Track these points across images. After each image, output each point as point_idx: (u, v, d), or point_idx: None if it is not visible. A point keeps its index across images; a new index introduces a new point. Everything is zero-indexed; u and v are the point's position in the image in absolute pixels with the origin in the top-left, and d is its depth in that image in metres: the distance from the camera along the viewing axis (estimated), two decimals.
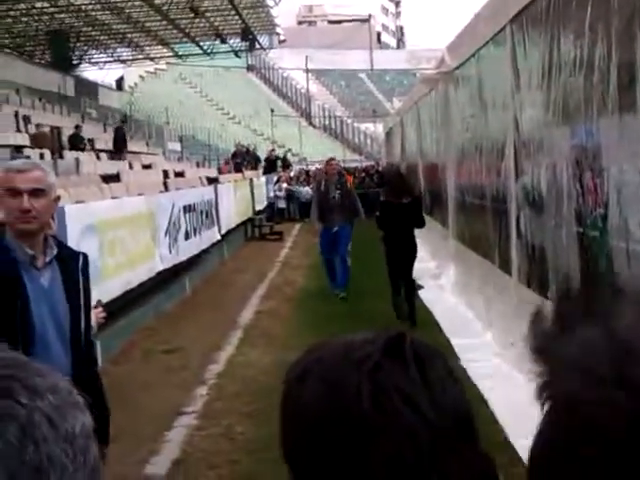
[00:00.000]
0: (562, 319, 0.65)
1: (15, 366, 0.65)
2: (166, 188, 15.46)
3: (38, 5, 33.85)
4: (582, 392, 0.58)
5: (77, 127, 21.35)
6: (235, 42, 45.34)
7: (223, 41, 43.24)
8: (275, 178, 28.39)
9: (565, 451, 0.60)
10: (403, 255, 9.48)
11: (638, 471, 0.55)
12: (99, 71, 47.76)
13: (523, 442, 4.36)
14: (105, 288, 7.98)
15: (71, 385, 0.69)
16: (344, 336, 0.83)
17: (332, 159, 12.51)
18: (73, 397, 0.68)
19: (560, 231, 5.87)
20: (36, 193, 2.98)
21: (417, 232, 9.81)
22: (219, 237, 15.90)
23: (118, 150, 22.98)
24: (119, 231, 9.39)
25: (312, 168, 36.42)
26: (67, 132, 21.49)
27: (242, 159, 25.69)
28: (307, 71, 66.98)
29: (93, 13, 36.94)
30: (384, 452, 0.73)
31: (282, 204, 27.55)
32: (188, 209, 13.05)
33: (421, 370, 0.76)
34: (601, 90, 4.96)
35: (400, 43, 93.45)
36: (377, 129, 50.93)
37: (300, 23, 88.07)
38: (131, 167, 20.40)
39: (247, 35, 42.31)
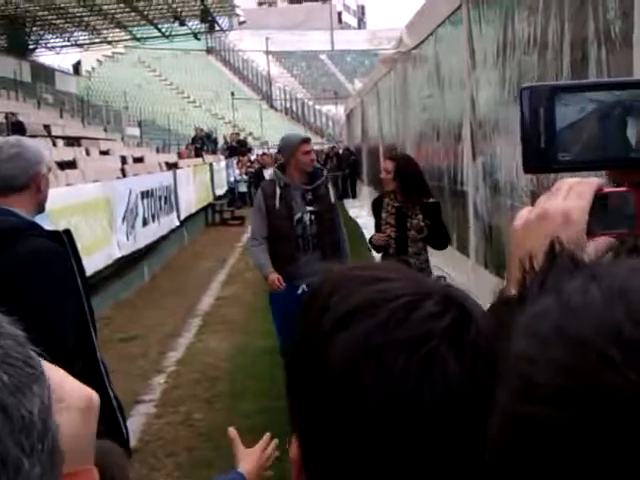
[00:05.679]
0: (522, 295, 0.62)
1: None
2: (124, 174, 15.27)
3: None
4: (526, 351, 0.55)
5: (13, 114, 20.80)
6: (194, 24, 44.83)
7: (182, 23, 42.65)
8: (235, 162, 28.21)
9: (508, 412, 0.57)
10: None
11: (569, 427, 0.50)
12: (56, 56, 47.06)
13: None
14: None
15: (25, 343, 0.54)
16: (404, 284, 0.74)
17: (307, 140, 5.76)
18: (30, 366, 0.53)
19: (516, 211, 5.85)
20: None
21: None
22: (178, 223, 15.76)
23: None
24: (73, 218, 9.21)
25: (273, 152, 36.18)
26: (24, 118, 21.08)
27: (202, 143, 25.44)
28: (267, 53, 66.58)
29: None
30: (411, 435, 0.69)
31: (243, 188, 27.36)
32: (146, 195, 12.90)
33: (473, 364, 0.70)
34: (555, 67, 4.93)
35: (361, 23, 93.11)
36: (339, 111, 50.78)
37: (260, 4, 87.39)
38: (88, 153, 20.08)
39: (206, 17, 41.83)
